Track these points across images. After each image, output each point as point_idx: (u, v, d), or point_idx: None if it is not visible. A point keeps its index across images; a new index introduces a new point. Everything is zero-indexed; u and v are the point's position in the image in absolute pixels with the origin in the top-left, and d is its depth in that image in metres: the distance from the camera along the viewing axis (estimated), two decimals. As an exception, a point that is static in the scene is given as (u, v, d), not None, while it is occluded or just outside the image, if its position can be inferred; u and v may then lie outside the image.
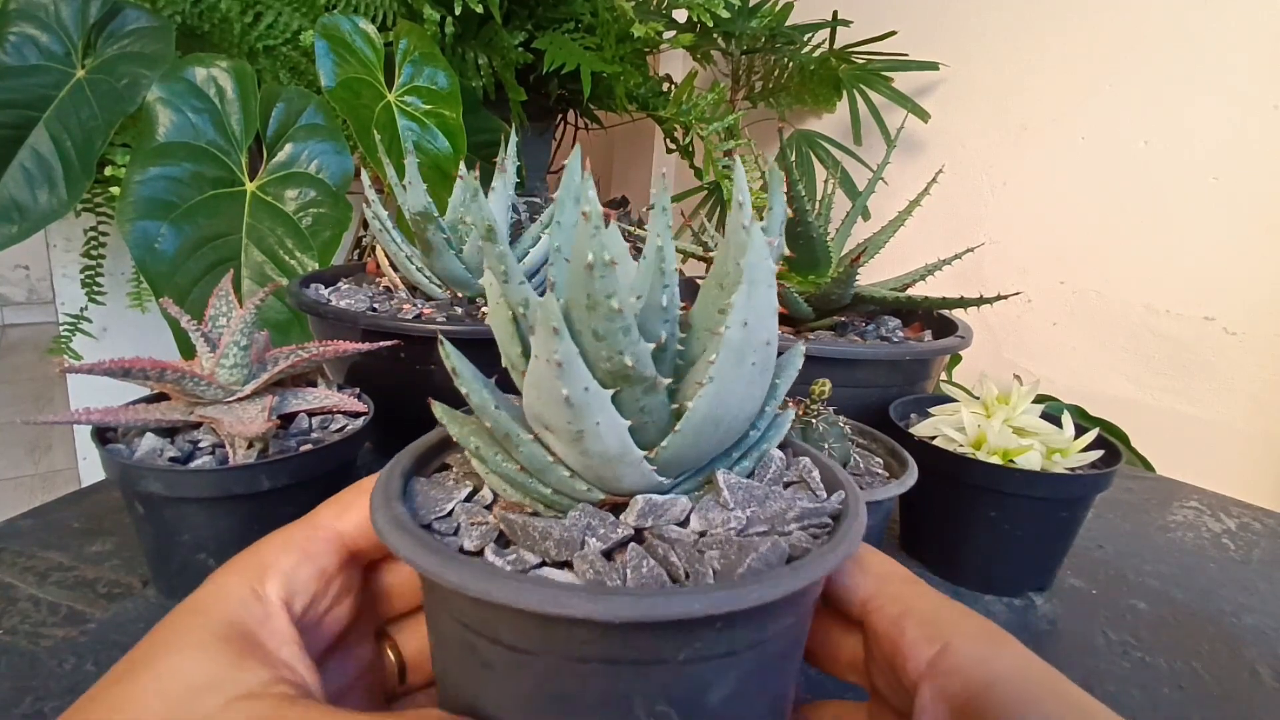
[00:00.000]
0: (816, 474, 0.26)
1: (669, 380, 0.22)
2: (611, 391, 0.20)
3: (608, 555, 0.21)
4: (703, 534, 0.22)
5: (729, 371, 0.20)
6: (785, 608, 0.20)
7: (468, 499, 0.24)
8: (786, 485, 0.26)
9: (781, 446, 0.27)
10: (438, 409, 0.24)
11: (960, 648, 0.21)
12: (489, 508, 0.24)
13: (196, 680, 0.19)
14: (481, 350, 0.25)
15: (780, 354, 0.25)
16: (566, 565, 0.21)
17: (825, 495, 0.25)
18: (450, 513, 0.23)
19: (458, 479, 0.26)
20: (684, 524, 0.22)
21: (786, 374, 0.26)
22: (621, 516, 0.22)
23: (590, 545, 0.21)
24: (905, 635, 0.22)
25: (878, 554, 0.25)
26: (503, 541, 0.22)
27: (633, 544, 0.21)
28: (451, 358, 0.23)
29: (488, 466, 0.23)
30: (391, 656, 0.27)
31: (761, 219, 1.05)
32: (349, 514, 0.25)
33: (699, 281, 0.30)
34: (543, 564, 0.21)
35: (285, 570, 0.23)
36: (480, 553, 0.21)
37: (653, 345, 0.21)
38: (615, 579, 0.20)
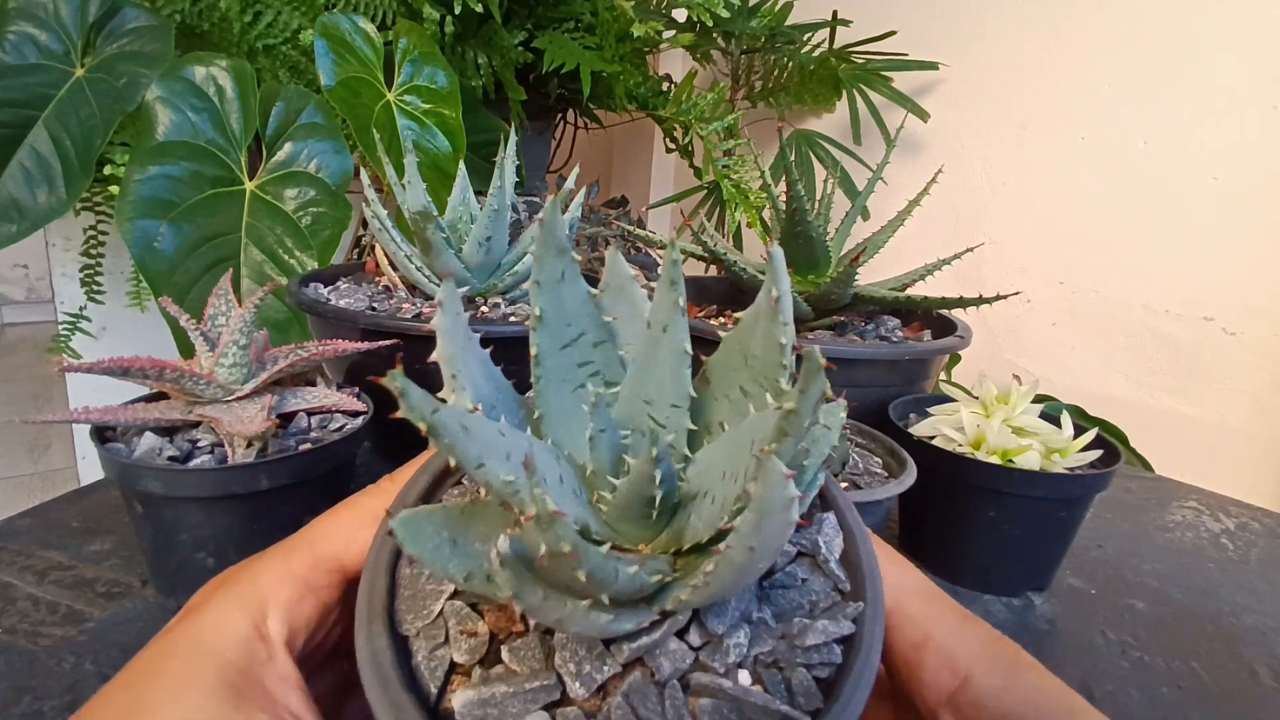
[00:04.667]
0: (838, 545, 0.23)
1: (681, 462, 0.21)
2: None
3: (601, 690, 0.20)
4: (698, 652, 0.20)
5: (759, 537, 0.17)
6: None
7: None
8: (798, 555, 0.23)
9: None
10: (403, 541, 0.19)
11: (979, 681, 0.21)
12: (477, 608, 0.22)
13: None
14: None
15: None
16: (554, 704, 0.20)
17: (842, 578, 0.22)
18: (439, 614, 0.22)
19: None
20: (683, 632, 0.21)
21: (819, 449, 0.22)
22: (614, 649, 0.20)
23: (574, 690, 0.19)
24: (925, 664, 0.22)
25: (892, 560, 0.24)
26: (491, 660, 0.21)
27: (620, 698, 0.19)
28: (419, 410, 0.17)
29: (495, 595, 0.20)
30: None
31: (761, 223, 1.04)
32: (355, 546, 0.24)
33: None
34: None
35: (287, 605, 0.22)
36: (468, 673, 0.20)
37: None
38: None
